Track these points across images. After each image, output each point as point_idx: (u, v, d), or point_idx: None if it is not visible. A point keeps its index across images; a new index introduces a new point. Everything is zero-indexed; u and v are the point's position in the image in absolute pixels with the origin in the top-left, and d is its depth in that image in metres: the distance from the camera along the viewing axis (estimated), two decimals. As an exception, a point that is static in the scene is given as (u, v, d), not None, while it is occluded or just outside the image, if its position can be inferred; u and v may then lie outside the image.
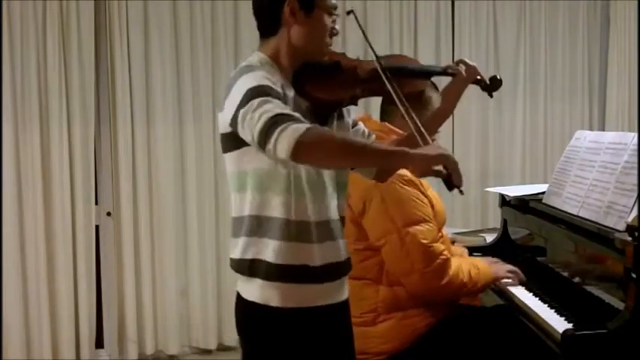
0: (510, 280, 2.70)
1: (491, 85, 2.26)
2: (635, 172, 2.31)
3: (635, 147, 2.39)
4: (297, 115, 1.69)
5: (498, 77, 2.27)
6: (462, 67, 2.17)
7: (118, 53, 4.15)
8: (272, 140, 1.63)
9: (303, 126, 1.64)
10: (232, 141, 1.83)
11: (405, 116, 1.91)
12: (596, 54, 5.02)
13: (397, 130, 2.47)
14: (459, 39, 4.76)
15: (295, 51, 1.91)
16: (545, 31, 4.90)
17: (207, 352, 4.42)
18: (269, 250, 1.86)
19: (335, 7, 1.94)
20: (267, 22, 1.92)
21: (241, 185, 1.88)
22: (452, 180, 1.80)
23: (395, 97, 1.94)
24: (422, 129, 1.89)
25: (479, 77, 2.22)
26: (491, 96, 2.30)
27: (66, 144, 4.08)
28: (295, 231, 1.85)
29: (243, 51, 4.25)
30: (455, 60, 2.23)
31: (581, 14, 4.94)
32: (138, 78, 4.21)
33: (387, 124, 2.55)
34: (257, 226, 1.87)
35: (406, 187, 2.47)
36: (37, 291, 4.04)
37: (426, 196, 2.53)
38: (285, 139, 1.62)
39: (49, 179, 4.07)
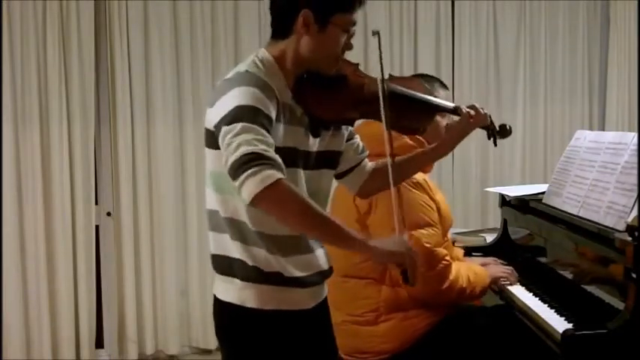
0: (507, 281, 2.71)
1: (500, 133, 2.23)
2: (635, 172, 2.31)
3: (635, 147, 2.39)
4: (273, 156, 1.66)
5: (508, 127, 2.24)
6: (472, 112, 2.14)
7: (118, 53, 4.15)
8: (239, 180, 1.64)
9: (273, 176, 1.62)
10: (215, 140, 1.78)
11: (387, 158, 1.87)
12: (596, 54, 5.02)
13: (403, 135, 2.48)
14: (459, 39, 4.76)
15: (302, 60, 1.87)
16: (545, 31, 4.89)
17: (207, 352, 4.42)
18: (246, 254, 1.84)
19: (353, 24, 1.88)
20: (280, 25, 1.88)
21: (218, 186, 1.85)
22: (407, 275, 1.78)
23: (385, 131, 1.86)
24: (395, 175, 1.85)
25: (488, 124, 2.19)
26: (495, 144, 2.26)
27: (66, 144, 4.08)
28: (266, 242, 1.82)
29: (243, 51, 4.25)
30: (467, 105, 2.19)
31: (581, 14, 4.94)
32: (138, 78, 4.21)
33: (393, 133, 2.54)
34: (232, 227, 1.85)
35: (414, 190, 2.47)
36: (37, 291, 4.05)
37: (434, 201, 2.53)
38: (251, 185, 1.62)
39: (49, 179, 4.07)
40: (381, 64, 1.89)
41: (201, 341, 4.41)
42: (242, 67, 1.85)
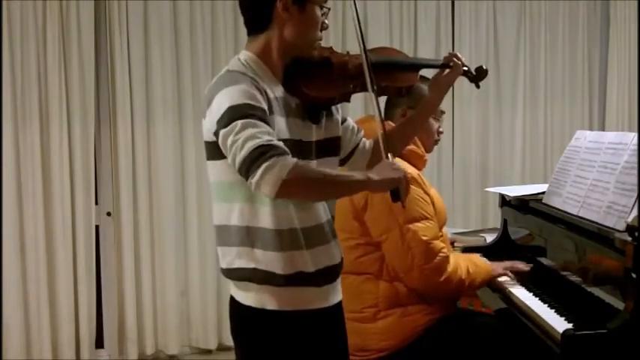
0: (508, 278, 2.69)
1: (478, 76, 2.27)
2: (635, 172, 2.31)
3: (635, 147, 2.39)
4: (279, 144, 1.68)
5: (484, 67, 2.28)
6: (452, 60, 2.15)
7: (118, 53, 4.15)
8: (256, 175, 1.65)
9: (288, 162, 1.64)
10: (217, 150, 1.81)
11: (377, 118, 1.93)
12: (596, 54, 5.02)
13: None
14: (459, 39, 4.77)
15: (287, 47, 1.89)
16: (545, 31, 4.90)
17: (207, 352, 4.42)
18: (261, 260, 1.84)
19: (326, 0, 1.93)
20: (257, 19, 1.90)
21: (227, 195, 1.85)
22: (399, 195, 1.86)
23: (374, 99, 1.93)
24: (387, 139, 1.92)
25: (466, 69, 2.22)
26: (478, 86, 2.31)
27: (66, 144, 4.08)
28: (285, 240, 1.83)
29: (243, 51, 4.25)
30: (447, 54, 2.22)
31: (581, 14, 4.95)
32: (138, 78, 4.21)
33: (390, 123, 2.55)
34: (247, 236, 1.84)
35: (410, 185, 2.48)
36: (37, 291, 4.05)
37: (428, 195, 2.55)
38: (272, 178, 1.63)
39: (49, 179, 4.07)
40: (359, 27, 1.95)
41: (201, 341, 4.40)
42: (223, 71, 1.88)
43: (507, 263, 2.74)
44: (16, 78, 3.99)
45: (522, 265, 2.73)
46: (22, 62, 4.00)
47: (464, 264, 2.54)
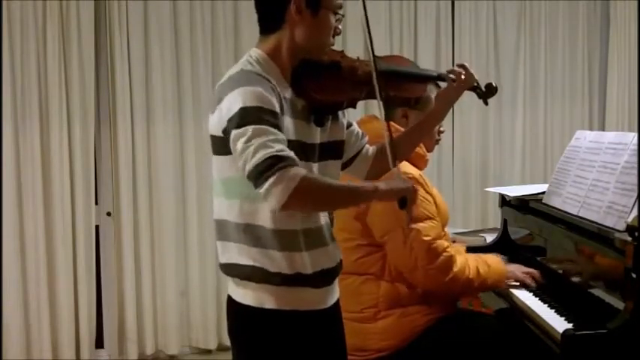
0: (527, 281, 2.63)
1: (487, 92, 2.25)
2: (635, 172, 2.31)
3: (635, 147, 2.39)
4: (289, 154, 1.70)
5: (494, 84, 2.26)
6: (462, 72, 2.13)
7: (118, 53, 4.15)
8: (264, 188, 1.68)
9: (297, 175, 1.67)
10: (224, 146, 1.81)
11: (384, 130, 1.93)
12: (596, 54, 5.02)
13: (403, 129, 2.48)
14: (459, 39, 4.77)
15: (297, 49, 1.89)
16: (545, 31, 4.90)
17: (207, 352, 4.42)
18: (260, 258, 1.84)
19: (340, 7, 1.93)
20: (270, 19, 1.89)
21: (229, 192, 1.85)
22: (406, 203, 1.90)
23: (381, 106, 1.92)
24: (394, 149, 1.95)
25: (475, 84, 2.20)
26: (486, 103, 2.28)
27: (66, 144, 4.08)
28: (284, 240, 1.83)
29: (243, 51, 4.19)
30: (456, 63, 2.21)
31: (581, 14, 4.95)
32: (138, 78, 4.21)
33: (393, 123, 2.55)
34: (246, 233, 1.84)
35: None
36: (37, 291, 4.04)
37: (430, 194, 2.54)
38: (279, 192, 1.67)
39: (49, 179, 4.07)
40: (369, 32, 1.96)
41: (201, 341, 4.40)
42: (236, 68, 1.87)
43: (525, 269, 2.66)
44: (16, 78, 3.99)
45: (538, 276, 2.66)
46: (22, 62, 3.99)
47: (473, 264, 2.52)
